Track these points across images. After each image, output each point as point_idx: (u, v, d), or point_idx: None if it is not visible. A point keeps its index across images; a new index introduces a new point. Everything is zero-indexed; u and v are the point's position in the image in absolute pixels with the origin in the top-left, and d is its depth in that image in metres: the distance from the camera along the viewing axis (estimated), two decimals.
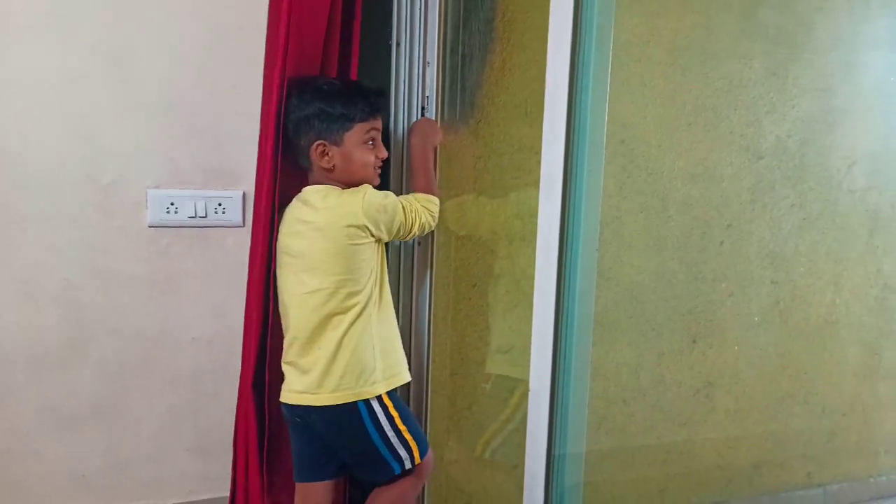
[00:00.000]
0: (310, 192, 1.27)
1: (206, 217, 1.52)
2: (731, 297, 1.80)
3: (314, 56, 1.27)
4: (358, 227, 1.22)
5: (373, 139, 1.27)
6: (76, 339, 1.47)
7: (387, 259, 1.35)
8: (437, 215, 1.36)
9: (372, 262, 1.25)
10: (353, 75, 1.37)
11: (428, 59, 1.46)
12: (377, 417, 1.24)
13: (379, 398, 1.25)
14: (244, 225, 1.53)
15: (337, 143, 1.24)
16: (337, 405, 1.23)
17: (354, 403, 1.23)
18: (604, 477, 1.75)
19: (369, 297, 1.24)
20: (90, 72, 1.40)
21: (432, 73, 1.46)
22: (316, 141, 1.24)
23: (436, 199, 1.36)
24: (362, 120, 1.25)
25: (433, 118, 1.47)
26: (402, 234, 1.30)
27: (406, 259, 1.52)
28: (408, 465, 1.27)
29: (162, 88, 1.44)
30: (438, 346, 1.57)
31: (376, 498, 1.31)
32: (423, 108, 1.47)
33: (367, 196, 1.24)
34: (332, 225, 1.22)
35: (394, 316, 1.33)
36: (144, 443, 1.54)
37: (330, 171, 1.26)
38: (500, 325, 1.57)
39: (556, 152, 1.02)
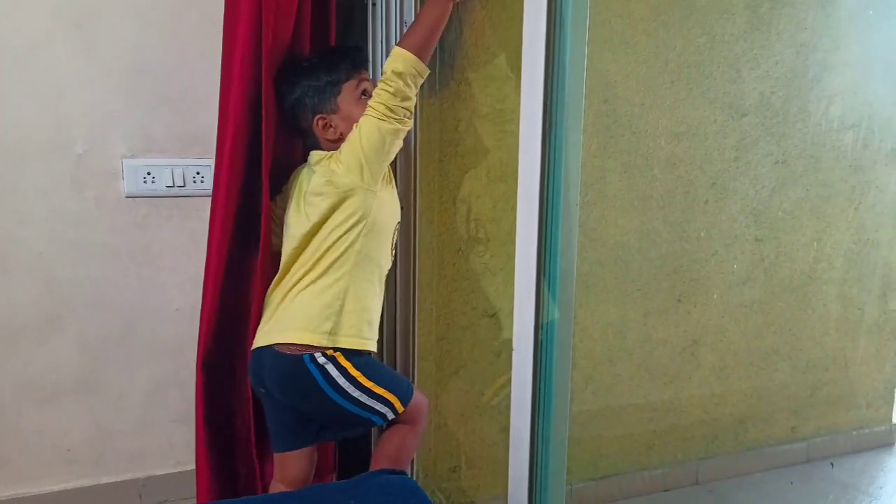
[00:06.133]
0: (314, 155, 1.28)
1: (184, 186, 1.49)
2: (715, 256, 1.80)
3: (288, 13, 1.23)
4: (333, 171, 1.21)
5: (365, 91, 1.25)
6: (53, 313, 1.45)
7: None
8: (403, 91, 1.18)
9: (359, 212, 1.20)
10: (332, 36, 1.34)
11: (405, 17, 1.42)
12: (334, 380, 1.19)
13: (333, 359, 1.19)
14: None
15: (334, 111, 1.24)
16: (284, 356, 1.19)
17: (300, 358, 1.18)
18: (591, 434, 1.77)
19: (349, 247, 1.20)
20: (53, 37, 1.35)
21: None
22: (314, 117, 1.24)
23: (406, 66, 1.17)
24: (348, 78, 1.24)
25: None
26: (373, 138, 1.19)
27: None
28: (390, 416, 1.25)
29: (130, 54, 1.40)
30: (424, 312, 1.56)
31: (378, 459, 1.30)
32: None
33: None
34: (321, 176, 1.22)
35: (380, 278, 1.28)
36: (129, 415, 1.54)
37: (338, 140, 1.25)
38: (487, 288, 1.56)
39: (535, 110, 0.99)
